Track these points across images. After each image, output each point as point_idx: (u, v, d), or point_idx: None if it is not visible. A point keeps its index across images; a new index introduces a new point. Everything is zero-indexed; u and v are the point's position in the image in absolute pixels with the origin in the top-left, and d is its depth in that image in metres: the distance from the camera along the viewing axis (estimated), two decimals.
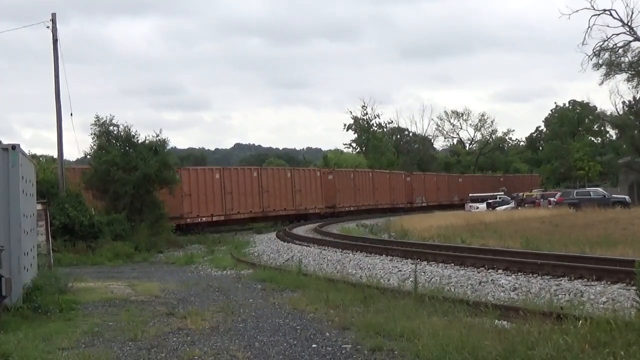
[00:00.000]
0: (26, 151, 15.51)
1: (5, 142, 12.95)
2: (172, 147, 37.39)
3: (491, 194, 64.25)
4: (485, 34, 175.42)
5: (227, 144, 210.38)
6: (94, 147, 30.25)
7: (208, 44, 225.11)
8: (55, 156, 30.52)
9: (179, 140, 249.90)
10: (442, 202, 68.28)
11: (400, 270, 16.88)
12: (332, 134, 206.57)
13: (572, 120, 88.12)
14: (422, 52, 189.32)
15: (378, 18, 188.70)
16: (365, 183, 55.99)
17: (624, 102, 67.19)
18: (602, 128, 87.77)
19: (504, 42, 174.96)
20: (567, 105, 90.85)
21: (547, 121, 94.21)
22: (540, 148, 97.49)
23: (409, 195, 63.60)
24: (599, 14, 53.40)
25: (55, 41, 27.99)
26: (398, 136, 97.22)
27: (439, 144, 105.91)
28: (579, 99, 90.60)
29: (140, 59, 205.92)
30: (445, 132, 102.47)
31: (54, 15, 28.25)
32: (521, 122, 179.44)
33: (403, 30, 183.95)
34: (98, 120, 30.02)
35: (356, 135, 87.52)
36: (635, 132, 63.28)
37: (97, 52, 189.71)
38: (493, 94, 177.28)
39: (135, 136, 30.33)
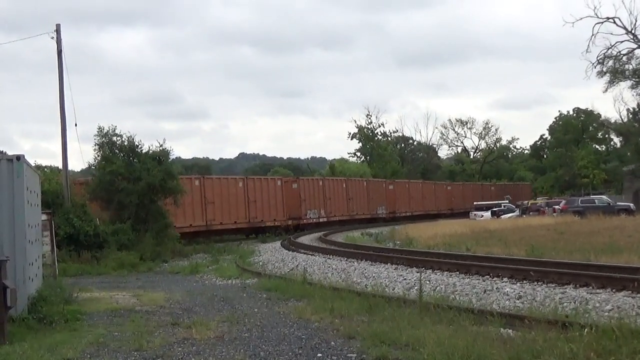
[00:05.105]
0: (30, 162, 15.54)
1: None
2: (176, 157, 37.36)
3: (496, 202, 63.71)
4: (480, 43, 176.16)
5: (229, 153, 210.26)
6: (98, 157, 30.30)
7: (200, 54, 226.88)
8: (59, 166, 30.52)
9: (179, 150, 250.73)
10: (357, 215, 53.23)
11: (405, 279, 16.84)
12: (331, 142, 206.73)
13: (576, 128, 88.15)
14: (417, 60, 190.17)
15: (370, 27, 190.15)
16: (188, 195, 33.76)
17: (628, 110, 67.25)
18: (607, 136, 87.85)
19: (498, 50, 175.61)
20: (571, 113, 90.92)
21: (551, 129, 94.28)
22: (545, 156, 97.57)
23: (293, 208, 45.47)
24: (602, 22, 53.54)
25: (59, 52, 28.03)
26: (402, 145, 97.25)
27: (444, 152, 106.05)
28: (580, 106, 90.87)
29: (134, 69, 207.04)
30: (449, 141, 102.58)
31: (58, 26, 28.30)
32: (521, 129, 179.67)
33: (396, 38, 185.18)
34: (101, 130, 30.01)
35: (360, 144, 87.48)
36: None
37: (90, 63, 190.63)
38: (491, 101, 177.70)
39: (139, 146, 30.40)
